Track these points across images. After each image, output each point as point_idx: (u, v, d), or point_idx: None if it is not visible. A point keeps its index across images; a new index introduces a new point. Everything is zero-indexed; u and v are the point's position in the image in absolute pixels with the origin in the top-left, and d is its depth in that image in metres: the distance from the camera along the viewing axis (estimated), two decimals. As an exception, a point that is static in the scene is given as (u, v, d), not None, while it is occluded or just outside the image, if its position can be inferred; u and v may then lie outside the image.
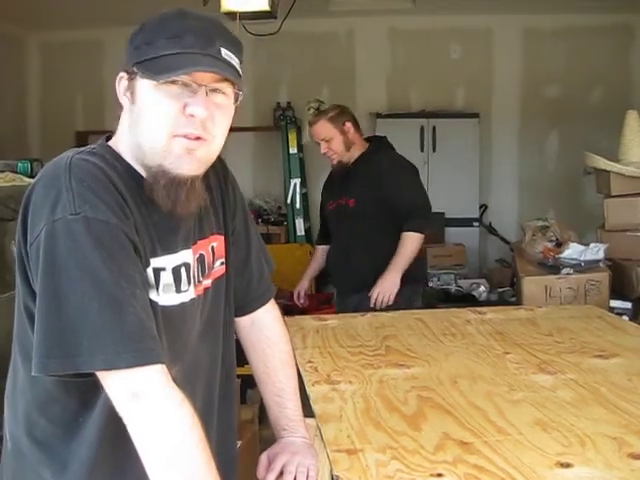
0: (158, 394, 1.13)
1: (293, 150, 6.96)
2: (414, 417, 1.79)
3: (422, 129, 7.09)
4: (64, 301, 1.10)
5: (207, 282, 1.42)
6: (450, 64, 7.26)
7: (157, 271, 1.27)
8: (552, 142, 7.29)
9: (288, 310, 5.55)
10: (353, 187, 3.62)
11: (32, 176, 3.95)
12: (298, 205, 7.03)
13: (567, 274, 3.90)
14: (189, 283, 1.34)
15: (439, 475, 1.45)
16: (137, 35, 1.28)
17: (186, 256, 1.34)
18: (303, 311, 4.17)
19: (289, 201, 7.05)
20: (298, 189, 6.98)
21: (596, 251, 4.00)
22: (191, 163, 1.27)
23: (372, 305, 3.37)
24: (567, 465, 1.49)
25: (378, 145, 3.77)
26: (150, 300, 1.23)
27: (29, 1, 6.07)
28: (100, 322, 1.10)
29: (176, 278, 1.31)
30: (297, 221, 7.06)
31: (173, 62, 1.21)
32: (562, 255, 3.97)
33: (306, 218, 7.25)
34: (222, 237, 1.47)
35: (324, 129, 3.60)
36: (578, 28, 7.08)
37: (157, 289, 1.27)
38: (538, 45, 7.24)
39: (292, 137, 6.99)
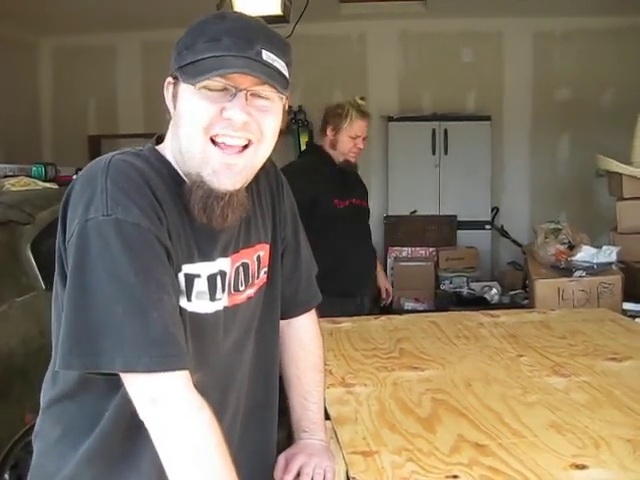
0: (176, 400, 1.13)
1: (305, 154, 6.97)
2: (429, 419, 1.80)
3: (434, 132, 7.11)
4: (90, 301, 1.11)
5: (250, 291, 1.40)
6: (461, 67, 7.27)
7: (191, 277, 1.25)
8: (563, 145, 7.28)
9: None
10: (358, 190, 3.71)
11: (46, 180, 3.99)
12: (310, 208, 7.02)
13: (580, 277, 3.90)
14: (223, 291, 1.32)
15: (454, 477, 1.46)
16: (180, 40, 1.27)
17: (223, 264, 1.32)
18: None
19: (301, 205, 7.05)
20: (309, 192, 6.98)
21: (608, 254, 4.00)
22: (230, 177, 1.25)
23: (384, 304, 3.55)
24: (582, 467, 1.49)
25: None
26: (179, 307, 1.23)
27: (41, 6, 6.11)
28: (123, 325, 1.10)
29: (211, 286, 1.29)
30: (309, 224, 7.06)
31: (208, 65, 1.19)
32: (574, 258, 3.97)
33: (318, 221, 7.25)
34: (268, 246, 1.45)
35: (367, 127, 3.58)
36: (589, 31, 7.08)
37: (189, 296, 1.26)
38: (549, 48, 7.25)
39: (304, 140, 7.00)
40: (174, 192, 1.25)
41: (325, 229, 3.36)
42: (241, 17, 1.28)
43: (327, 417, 1.82)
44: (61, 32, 7.18)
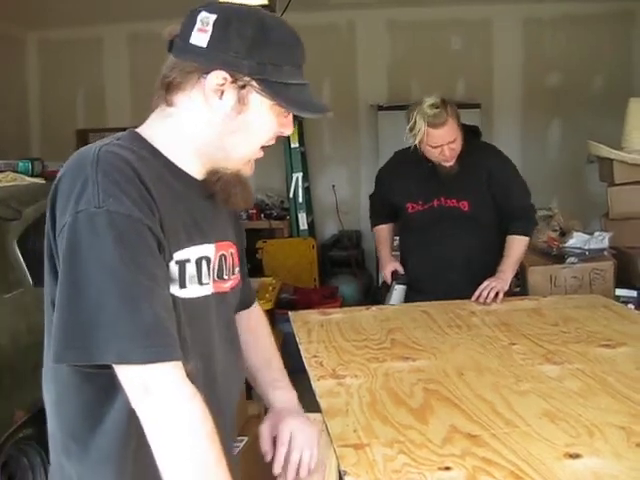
0: (168, 390, 1.14)
1: (294, 144, 6.94)
2: (421, 410, 1.79)
3: (424, 120, 7.08)
4: (82, 293, 1.12)
5: (227, 285, 1.41)
6: (451, 55, 7.24)
7: (182, 263, 1.27)
8: (554, 131, 7.27)
9: (292, 305, 5.56)
10: (462, 188, 3.15)
11: (33, 175, 3.96)
12: (301, 199, 7.02)
13: (572, 263, 3.89)
14: (209, 277, 1.33)
15: (447, 468, 1.45)
16: (259, 46, 1.26)
17: (208, 250, 1.33)
18: (307, 306, 4.14)
19: (291, 195, 7.04)
20: (300, 183, 6.98)
21: (600, 240, 3.99)
22: (253, 166, 1.38)
23: (474, 298, 2.97)
24: (576, 456, 1.48)
25: (476, 134, 3.37)
26: (172, 295, 1.24)
27: (27, 0, 6.05)
28: (115, 316, 1.11)
29: (198, 270, 1.30)
30: (300, 215, 7.05)
31: (303, 97, 1.31)
32: (566, 244, 3.96)
33: (309, 212, 7.25)
34: (236, 247, 1.46)
35: (452, 130, 3.02)
36: (578, 16, 7.06)
37: (183, 282, 1.27)
38: (538, 34, 7.22)
39: (293, 131, 6.97)
40: (160, 177, 1.26)
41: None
42: (299, 37, 1.34)
43: (318, 409, 1.81)
44: (47, 26, 7.12)
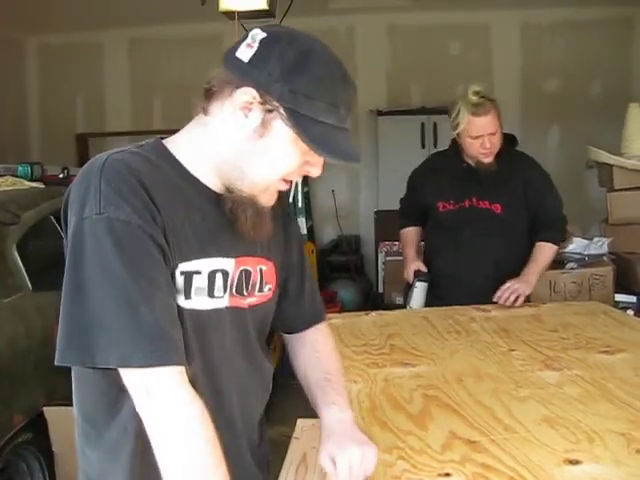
0: (168, 393, 1.16)
1: (294, 149, 6.96)
2: (420, 416, 1.78)
3: (423, 126, 7.10)
4: (84, 297, 1.15)
5: (251, 300, 1.39)
6: (450, 60, 7.27)
7: (189, 275, 1.26)
8: (553, 136, 7.28)
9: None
10: (496, 191, 3.12)
11: (32, 179, 3.96)
12: (300, 204, 7.02)
13: (571, 269, 3.91)
14: (225, 291, 1.32)
15: (447, 475, 1.44)
16: (296, 73, 1.22)
17: (225, 264, 1.32)
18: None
19: (291, 200, 7.04)
20: (300, 188, 6.98)
21: (600, 245, 4.00)
22: (274, 197, 1.35)
23: (496, 298, 2.93)
24: (576, 462, 1.47)
25: (512, 142, 3.35)
26: (177, 305, 1.24)
27: (28, 4, 6.07)
28: (116, 321, 1.14)
29: (210, 282, 1.29)
30: (299, 220, 7.05)
31: (330, 139, 1.24)
32: (566, 250, 3.97)
33: (308, 216, 7.25)
34: (271, 264, 1.43)
35: (493, 121, 3.04)
36: (577, 22, 7.09)
37: (188, 293, 1.26)
38: (537, 40, 7.26)
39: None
40: (177, 188, 1.27)
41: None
42: (352, 80, 1.30)
43: (317, 415, 1.81)
44: (48, 30, 7.15)
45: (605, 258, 4.07)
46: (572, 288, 3.90)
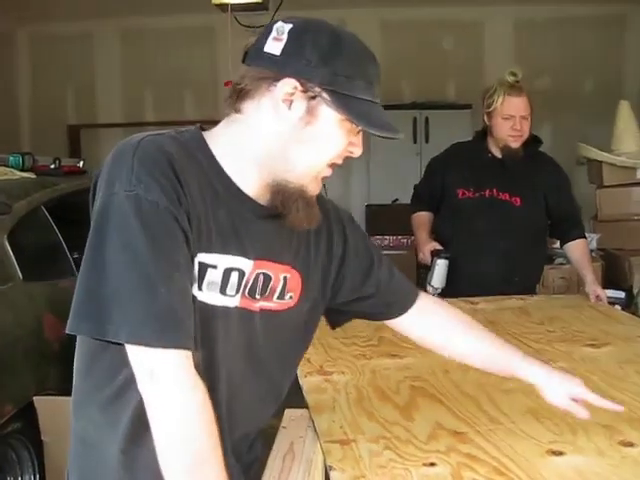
0: (172, 377, 1.16)
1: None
2: (406, 407, 1.81)
3: (415, 121, 7.14)
4: (103, 270, 1.16)
5: (265, 304, 1.38)
6: (442, 56, 7.31)
7: (204, 267, 1.26)
8: (544, 133, 7.26)
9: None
10: (517, 184, 3.19)
11: (24, 170, 3.95)
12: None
13: (560, 264, 3.93)
14: (238, 291, 1.31)
15: (432, 464, 1.47)
16: (333, 56, 1.25)
17: (243, 264, 1.31)
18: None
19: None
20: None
21: (589, 241, 4.02)
22: (320, 184, 1.36)
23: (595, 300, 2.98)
24: (559, 453, 1.50)
25: (538, 140, 3.36)
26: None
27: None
28: (132, 297, 1.15)
29: (225, 280, 1.29)
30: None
31: (374, 115, 1.28)
32: (555, 245, 3.99)
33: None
34: (298, 274, 1.42)
35: (527, 105, 3.12)
36: (569, 19, 7.13)
37: (200, 285, 1.26)
38: (529, 36, 7.29)
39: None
40: (208, 180, 1.28)
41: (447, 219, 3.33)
42: (375, 57, 1.33)
43: (305, 405, 1.83)
44: (38, 20, 7.14)
45: (594, 254, 4.10)
46: (561, 283, 3.94)
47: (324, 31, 1.27)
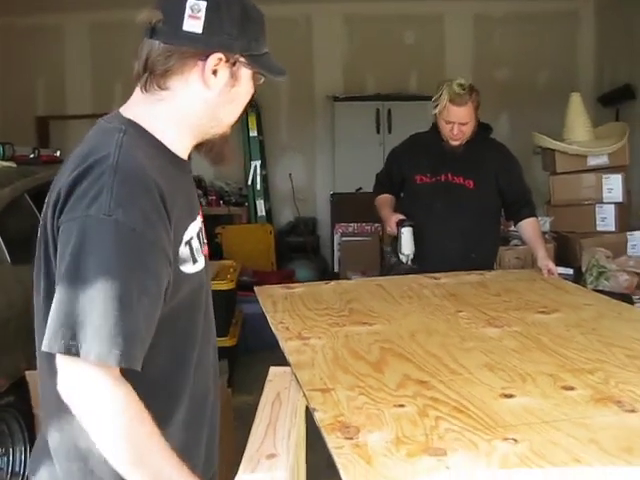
0: (98, 383, 1.21)
1: (253, 133, 7.12)
2: (377, 363, 2.00)
3: (378, 112, 7.31)
4: (79, 292, 1.19)
5: (205, 252, 1.51)
6: (404, 49, 7.48)
7: (189, 242, 1.39)
8: (503, 123, 7.54)
9: (252, 287, 5.72)
10: (470, 168, 3.46)
11: (4, 159, 4.07)
12: (259, 186, 7.21)
13: (515, 245, 4.17)
14: (201, 247, 1.47)
15: (401, 405, 1.66)
16: (246, 25, 1.40)
17: (199, 223, 1.47)
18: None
19: (250, 183, 7.22)
20: (259, 171, 7.15)
21: (542, 224, 4.27)
22: None
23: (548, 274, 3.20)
24: (510, 396, 1.72)
25: (485, 129, 3.64)
26: (186, 273, 1.37)
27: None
28: (102, 320, 1.18)
29: (199, 242, 1.45)
30: (258, 202, 7.24)
31: (273, 64, 1.47)
32: (511, 228, 4.24)
33: (266, 199, 7.42)
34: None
35: (468, 114, 3.37)
36: (526, 14, 7.35)
37: (195, 257, 1.41)
38: (488, 30, 7.50)
39: (252, 120, 7.14)
40: (167, 173, 1.36)
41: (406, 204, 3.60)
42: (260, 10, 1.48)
43: (287, 364, 2.02)
44: (8, 12, 7.13)
45: (547, 236, 4.33)
46: (516, 263, 4.17)
47: (233, 3, 1.39)
